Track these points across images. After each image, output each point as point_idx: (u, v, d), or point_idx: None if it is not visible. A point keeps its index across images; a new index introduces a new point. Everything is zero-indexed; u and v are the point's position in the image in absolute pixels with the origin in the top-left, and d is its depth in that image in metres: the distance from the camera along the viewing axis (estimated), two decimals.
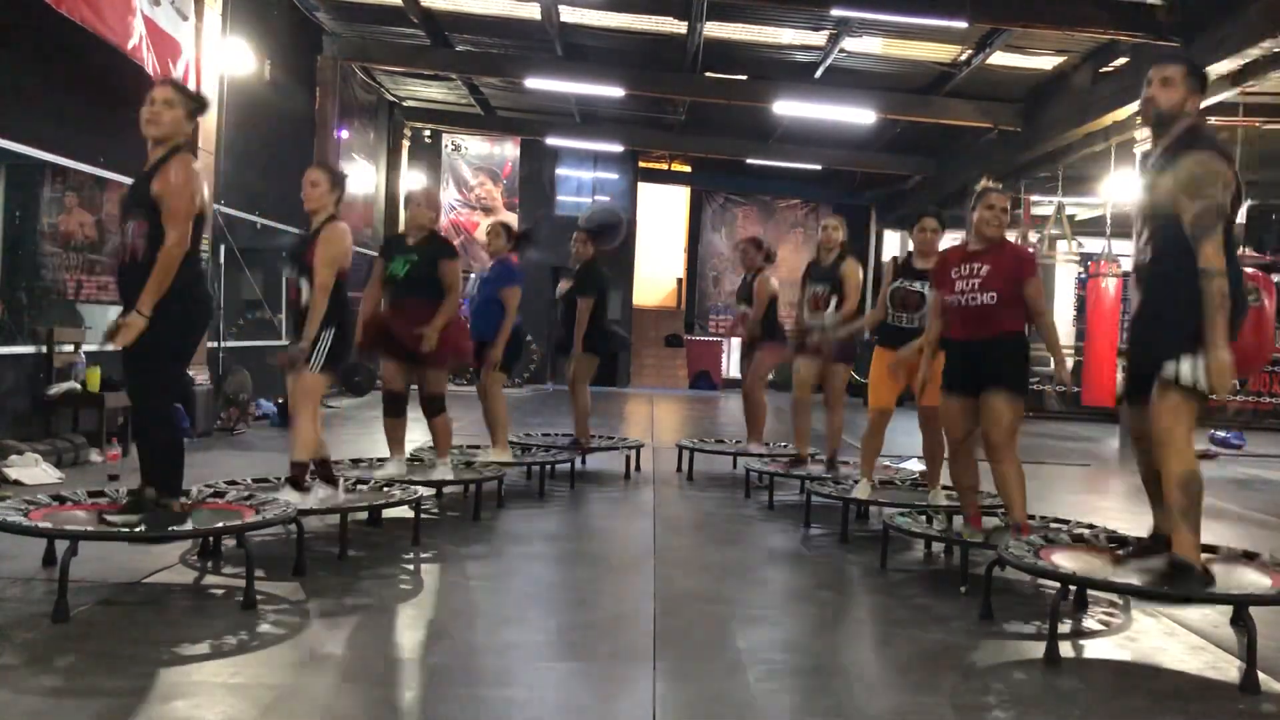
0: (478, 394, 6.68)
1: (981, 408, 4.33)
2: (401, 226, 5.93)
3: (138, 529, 3.74)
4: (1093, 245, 13.73)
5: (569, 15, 11.33)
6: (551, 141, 16.97)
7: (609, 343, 7.47)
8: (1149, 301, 3.62)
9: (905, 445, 8.73)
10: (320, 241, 4.63)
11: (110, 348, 3.93)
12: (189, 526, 3.89)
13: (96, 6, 6.61)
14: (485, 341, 6.39)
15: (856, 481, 5.60)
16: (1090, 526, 4.46)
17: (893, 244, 18.35)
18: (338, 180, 4.83)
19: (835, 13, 9.86)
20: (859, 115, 13.37)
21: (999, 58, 11.22)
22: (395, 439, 5.69)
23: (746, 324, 7.37)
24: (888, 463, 7.17)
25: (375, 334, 5.54)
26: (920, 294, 5.39)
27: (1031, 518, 4.83)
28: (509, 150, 17.27)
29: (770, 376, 7.68)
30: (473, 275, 6.80)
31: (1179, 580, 3.41)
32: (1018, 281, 4.33)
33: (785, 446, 7.87)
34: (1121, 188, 11.84)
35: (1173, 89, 3.60)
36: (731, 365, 18.15)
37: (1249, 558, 3.89)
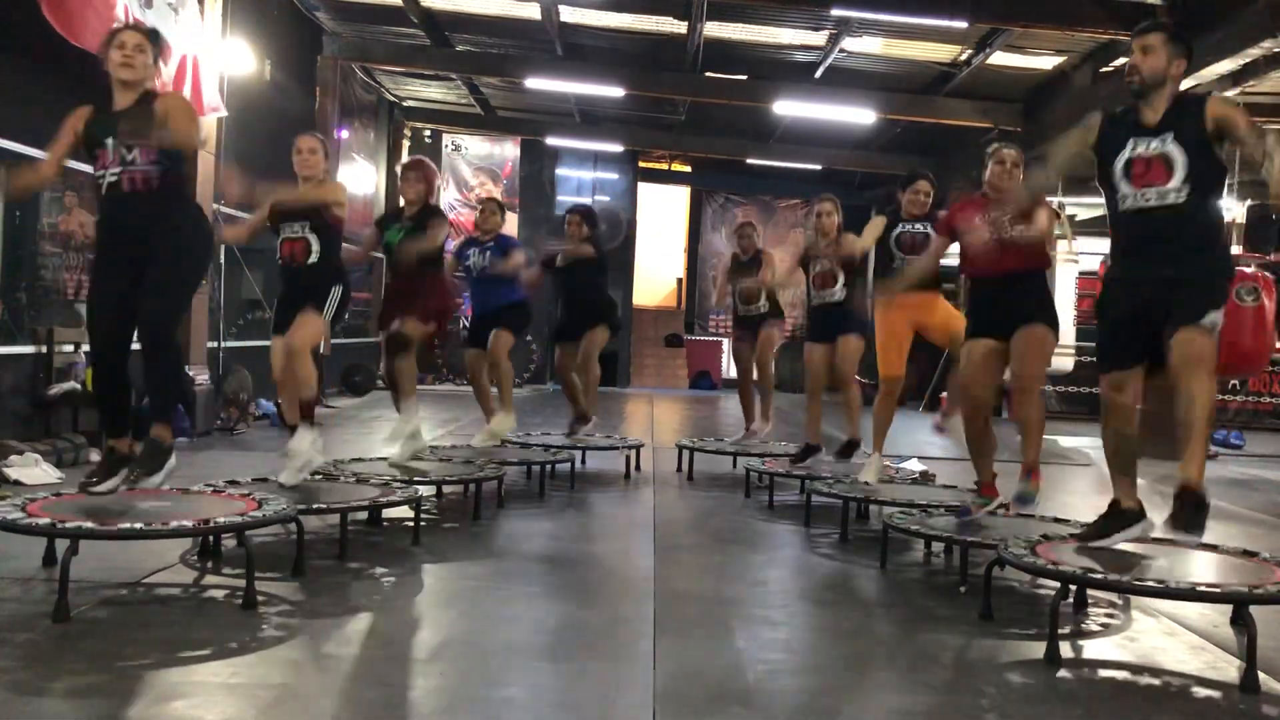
0: (490, 358, 6.72)
1: (1022, 341, 4.45)
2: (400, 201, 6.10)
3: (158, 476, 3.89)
4: (1094, 245, 13.69)
5: (569, 15, 11.33)
6: (551, 141, 16.98)
7: (616, 313, 7.64)
8: (1175, 243, 3.61)
9: (905, 445, 8.74)
10: (327, 190, 4.94)
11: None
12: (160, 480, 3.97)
13: (79, 17, 6.57)
14: (489, 314, 6.57)
15: (866, 456, 5.60)
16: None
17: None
18: (330, 150, 5.12)
19: (835, 13, 9.87)
20: (859, 115, 13.38)
21: (999, 58, 11.23)
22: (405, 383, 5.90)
23: (763, 281, 7.34)
24: (888, 462, 7.17)
25: (394, 340, 5.83)
26: (926, 234, 5.52)
27: (1030, 517, 4.87)
28: (509, 150, 17.27)
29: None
30: (472, 251, 6.83)
31: (1198, 513, 3.48)
32: (1035, 224, 4.56)
33: (785, 445, 7.87)
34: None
35: (1154, 55, 3.69)
36: (732, 365, 18.16)
37: (1249, 557, 3.90)
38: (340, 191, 5.01)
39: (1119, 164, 3.68)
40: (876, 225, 5.84)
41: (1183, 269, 3.61)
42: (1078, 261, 12.88)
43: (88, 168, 4.32)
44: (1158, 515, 3.78)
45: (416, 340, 5.86)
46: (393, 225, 5.89)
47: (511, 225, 16.81)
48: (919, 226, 5.66)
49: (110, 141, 3.92)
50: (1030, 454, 4.45)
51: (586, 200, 17.71)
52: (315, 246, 4.84)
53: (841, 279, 6.31)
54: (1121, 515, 3.74)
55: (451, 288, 6.23)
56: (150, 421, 3.99)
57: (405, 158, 16.60)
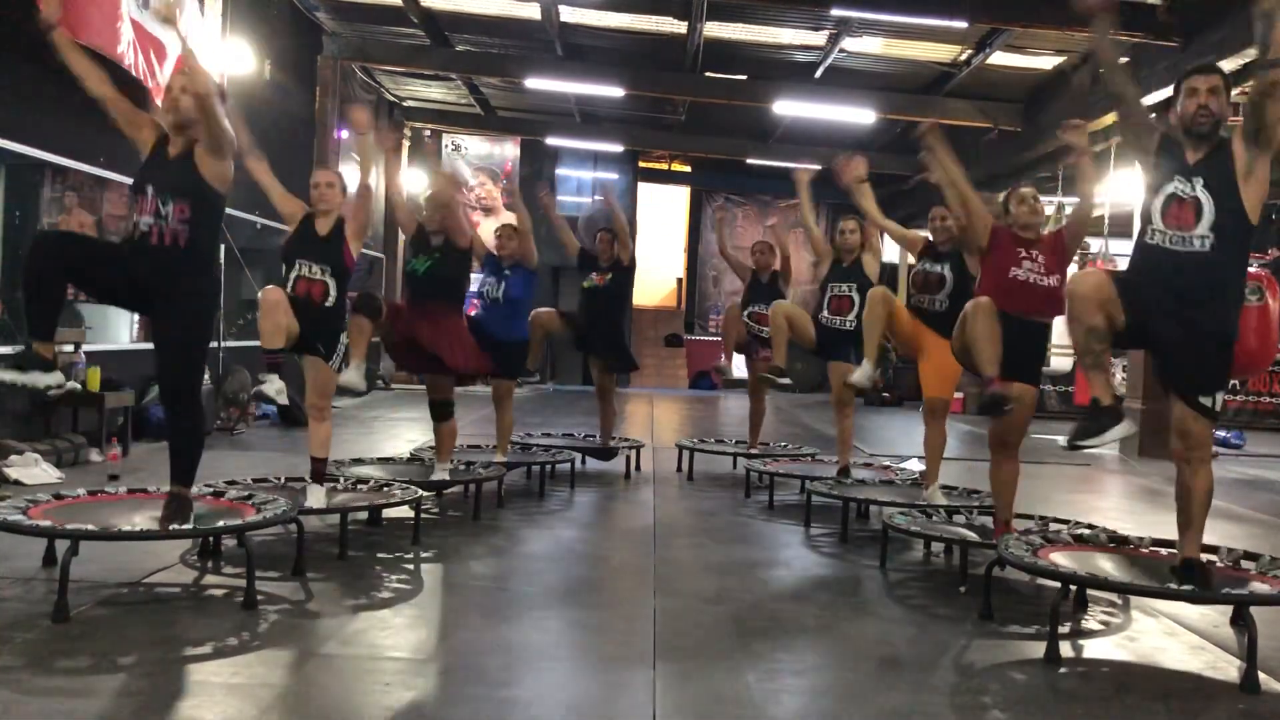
0: (493, 398, 6.68)
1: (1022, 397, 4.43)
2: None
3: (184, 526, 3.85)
4: (1092, 245, 13.70)
5: (569, 15, 11.33)
6: (551, 141, 16.97)
7: (629, 358, 7.60)
8: (1194, 296, 3.60)
9: (906, 445, 8.75)
10: (350, 235, 4.79)
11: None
12: (190, 526, 3.90)
13: (83, 16, 6.56)
14: (502, 342, 6.29)
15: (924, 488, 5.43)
16: (1090, 526, 4.46)
17: (894, 243, 18.33)
18: (345, 185, 4.98)
19: (835, 13, 9.86)
20: (859, 115, 13.37)
21: (999, 58, 11.22)
22: (444, 444, 5.79)
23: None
24: (888, 462, 7.18)
25: (404, 349, 5.65)
26: (941, 275, 5.39)
27: (1030, 517, 4.88)
28: (509, 150, 17.27)
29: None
30: (489, 281, 6.55)
31: (1205, 577, 3.57)
32: (1065, 266, 4.59)
33: (785, 446, 7.88)
34: (1121, 188, 11.83)
35: (1221, 98, 3.72)
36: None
37: (1249, 558, 3.90)
38: (363, 231, 4.92)
39: (1160, 198, 3.67)
40: (917, 239, 5.74)
41: (1196, 323, 3.60)
42: (1078, 259, 12.89)
43: (88, 167, 4.33)
44: (1152, 524, 3.78)
45: (453, 400, 5.84)
46: (420, 254, 5.68)
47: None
48: (934, 266, 5.44)
49: (150, 189, 3.90)
50: (1002, 510, 4.53)
51: (586, 200, 17.74)
52: (333, 291, 4.69)
53: (856, 308, 6.06)
54: (1105, 412, 3.65)
55: (469, 335, 5.89)
56: (172, 477, 3.98)
57: (406, 157, 16.61)
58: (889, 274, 5.95)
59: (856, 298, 6.09)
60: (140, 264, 3.88)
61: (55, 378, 3.94)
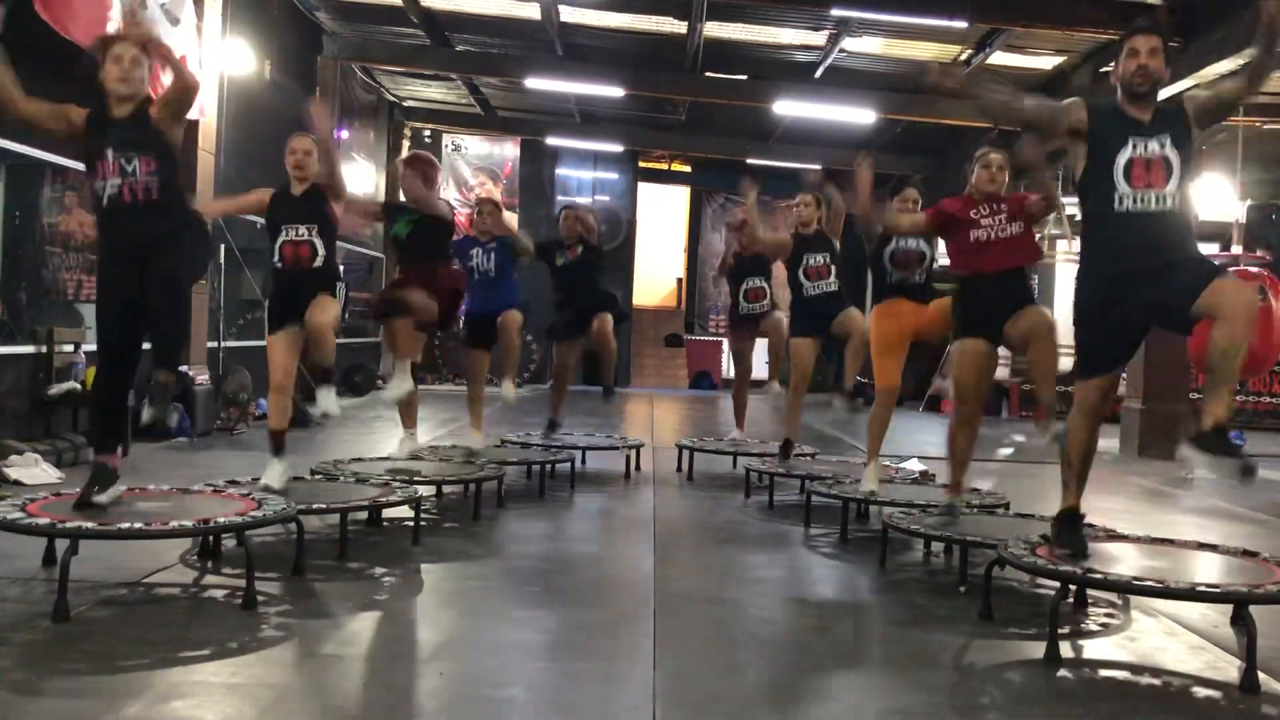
0: (503, 339, 6.73)
1: (1029, 319, 4.69)
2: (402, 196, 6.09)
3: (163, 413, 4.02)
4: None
5: (569, 15, 11.33)
6: (551, 141, 16.97)
7: (619, 303, 7.69)
8: (1172, 247, 3.64)
9: (905, 445, 8.74)
10: (330, 191, 4.90)
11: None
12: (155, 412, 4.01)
13: (72, 11, 6.57)
14: (490, 314, 6.54)
15: (862, 470, 5.60)
16: (1090, 526, 4.45)
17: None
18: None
19: (835, 13, 9.87)
20: (859, 115, 13.38)
21: (999, 58, 11.23)
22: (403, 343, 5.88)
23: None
24: (888, 462, 7.17)
25: (391, 303, 5.83)
26: (920, 251, 5.55)
27: (1030, 517, 4.88)
28: (509, 150, 17.27)
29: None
30: (475, 251, 6.75)
31: (1221, 443, 3.50)
32: (1029, 214, 4.72)
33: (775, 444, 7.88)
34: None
35: (1159, 58, 3.73)
36: (731, 366, 18.16)
37: (1249, 557, 3.89)
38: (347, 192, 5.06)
39: (1120, 162, 3.67)
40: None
41: (1183, 261, 3.63)
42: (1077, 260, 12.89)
43: (79, 165, 4.36)
44: (1152, 524, 3.79)
45: (417, 306, 5.78)
46: (400, 217, 5.87)
47: (511, 225, 16.87)
48: (912, 243, 5.57)
49: (110, 152, 3.94)
50: (1047, 395, 4.83)
51: (586, 200, 17.73)
52: (320, 250, 4.81)
53: (834, 271, 6.37)
54: (1080, 519, 3.85)
55: (459, 288, 6.18)
56: (155, 366, 4.08)
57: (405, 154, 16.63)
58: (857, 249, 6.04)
59: (831, 264, 6.38)
60: (124, 223, 3.92)
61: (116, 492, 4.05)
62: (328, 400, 4.97)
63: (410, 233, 5.80)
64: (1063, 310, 14.37)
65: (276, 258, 4.89)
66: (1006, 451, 10.59)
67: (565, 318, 7.38)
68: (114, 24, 7.07)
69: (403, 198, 6.04)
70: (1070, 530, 3.83)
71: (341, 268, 6.34)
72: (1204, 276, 3.51)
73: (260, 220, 5.19)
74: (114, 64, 4.07)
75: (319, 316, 4.83)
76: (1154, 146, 3.64)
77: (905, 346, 5.60)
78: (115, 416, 4.22)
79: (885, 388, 5.63)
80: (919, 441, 9.17)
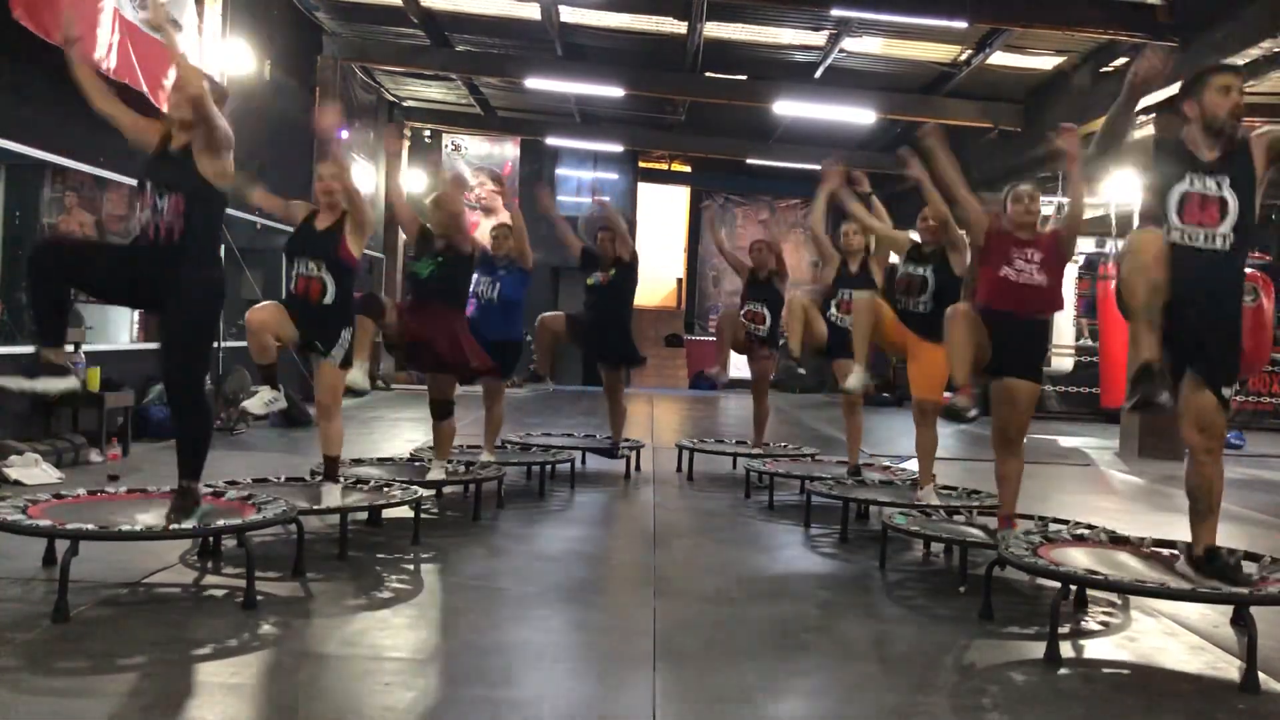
0: (483, 396, 6.67)
1: (1005, 391, 4.47)
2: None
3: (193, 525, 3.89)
4: (1090, 245, 13.69)
5: (569, 15, 11.33)
6: (551, 141, 16.96)
7: (635, 351, 7.47)
8: (1213, 285, 3.65)
9: (905, 445, 8.74)
10: (349, 231, 4.73)
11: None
12: (193, 525, 3.90)
13: (60, 19, 6.53)
14: (497, 342, 6.32)
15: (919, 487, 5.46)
16: (1090, 527, 4.46)
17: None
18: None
19: (835, 13, 9.86)
20: (859, 115, 13.37)
21: (999, 58, 11.22)
22: (443, 443, 5.79)
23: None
24: (888, 462, 7.18)
25: (411, 349, 5.65)
26: (923, 278, 5.46)
27: (1030, 517, 4.88)
28: (509, 150, 17.26)
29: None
30: (483, 281, 6.55)
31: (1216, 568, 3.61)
32: (1062, 265, 4.64)
33: (785, 446, 7.88)
34: (1122, 188, 11.84)
35: (1240, 97, 3.73)
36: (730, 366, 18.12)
37: (1250, 558, 3.89)
38: (366, 232, 4.89)
39: (1173, 196, 3.67)
40: (900, 248, 5.72)
41: (1223, 317, 3.66)
42: (1078, 261, 12.90)
43: (88, 167, 4.35)
44: (1153, 524, 3.78)
45: (453, 401, 5.85)
46: (424, 257, 5.66)
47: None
48: (917, 269, 5.49)
49: (149, 184, 3.92)
50: (1010, 507, 4.57)
51: (586, 200, 17.73)
52: (330, 288, 4.64)
53: None
54: (1158, 375, 3.61)
55: (476, 344, 5.85)
56: (180, 472, 4.00)
57: (406, 158, 16.60)
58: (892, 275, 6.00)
59: None
60: (141, 260, 3.90)
61: (69, 383, 3.94)
62: (331, 496, 4.69)
63: (431, 273, 5.61)
64: (1064, 310, 14.39)
65: (292, 285, 4.73)
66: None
67: (594, 341, 7.22)
68: (106, 28, 7.06)
69: (430, 223, 5.74)
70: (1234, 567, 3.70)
71: None
72: (1223, 371, 3.62)
73: (261, 220, 5.17)
74: (175, 91, 4.00)
75: (322, 399, 4.80)
76: (1212, 184, 3.64)
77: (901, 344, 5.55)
78: (57, 299, 3.97)
79: (936, 400, 5.35)
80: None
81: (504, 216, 6.73)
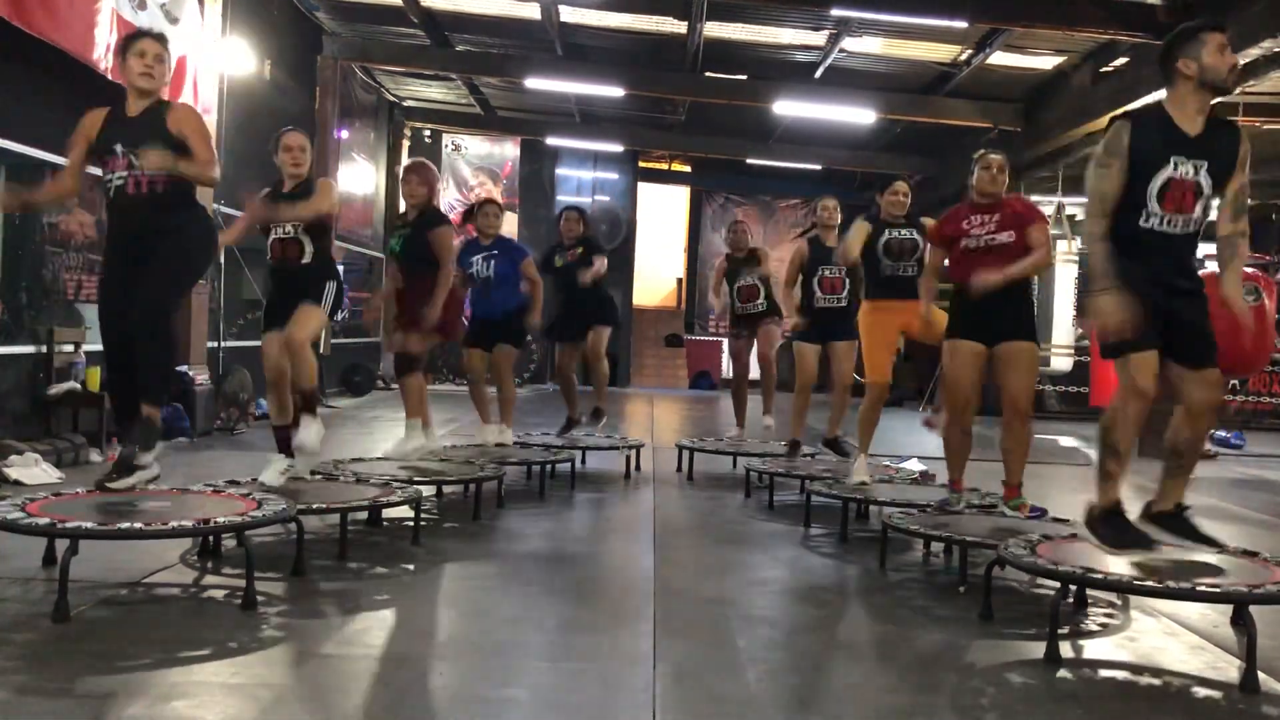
0: (493, 371, 6.81)
1: (1007, 357, 4.59)
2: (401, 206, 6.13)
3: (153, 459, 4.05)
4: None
5: (569, 15, 11.33)
6: (551, 141, 16.97)
7: (617, 312, 7.74)
8: (1185, 265, 3.66)
9: (905, 446, 8.74)
10: (321, 200, 4.84)
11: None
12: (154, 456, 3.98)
13: (58, 18, 6.53)
14: (495, 319, 6.56)
15: (849, 460, 5.75)
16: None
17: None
18: (330, 148, 5.13)
19: (835, 13, 9.86)
20: (859, 115, 13.37)
21: (999, 58, 11.22)
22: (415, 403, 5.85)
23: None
24: (887, 462, 7.18)
25: (402, 360, 5.83)
26: (914, 240, 5.67)
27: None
28: (509, 150, 17.27)
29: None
30: (476, 259, 6.78)
31: (1181, 524, 3.66)
32: (1027, 225, 4.67)
33: (785, 445, 7.87)
34: None
35: (1230, 55, 3.63)
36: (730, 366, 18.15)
37: (1249, 557, 3.89)
38: (331, 195, 4.93)
39: (1156, 183, 3.55)
40: (861, 231, 5.80)
41: (1201, 296, 3.67)
42: (1078, 261, 12.89)
43: (88, 167, 4.36)
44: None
45: (422, 356, 5.86)
46: (396, 232, 5.86)
47: (511, 225, 16.87)
48: (904, 232, 5.72)
49: (120, 147, 3.96)
50: (1016, 476, 4.68)
51: (586, 200, 17.74)
52: (308, 247, 4.83)
53: (848, 284, 6.45)
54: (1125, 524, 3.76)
55: (459, 298, 6.13)
56: (143, 399, 4.10)
57: (405, 157, 16.61)
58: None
59: (846, 278, 6.44)
60: (127, 213, 3.93)
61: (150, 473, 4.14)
62: (308, 435, 4.82)
63: (403, 245, 5.77)
64: (1062, 310, 14.40)
65: (268, 254, 4.92)
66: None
67: (561, 321, 7.45)
68: (104, 28, 7.06)
69: (402, 205, 6.01)
70: (1125, 527, 3.73)
71: (341, 268, 6.33)
72: (1213, 347, 3.60)
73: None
74: (137, 58, 4.08)
75: (295, 333, 4.79)
76: (1191, 170, 3.56)
77: (895, 343, 5.68)
78: (131, 396, 4.17)
79: (876, 383, 5.69)
80: (919, 441, 9.17)
81: (507, 218, 6.98)
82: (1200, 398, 3.62)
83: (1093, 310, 3.54)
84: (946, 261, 4.98)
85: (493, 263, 6.69)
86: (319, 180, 5.02)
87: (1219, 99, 3.69)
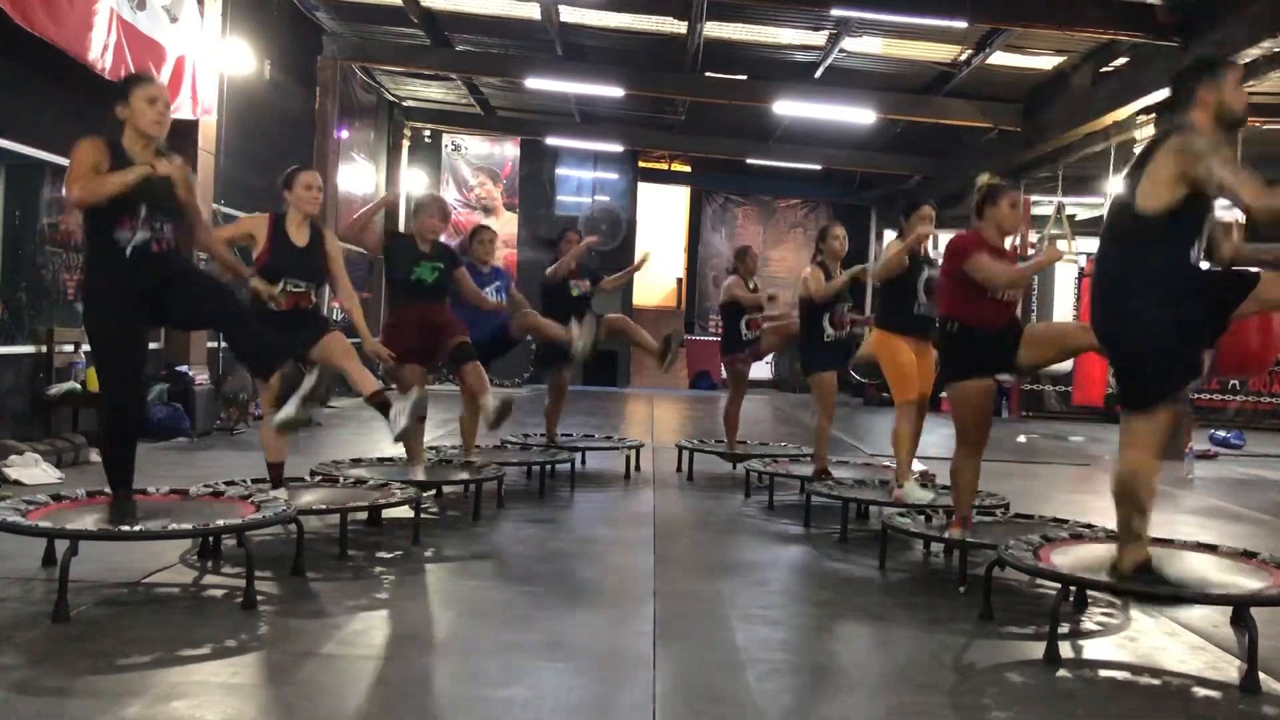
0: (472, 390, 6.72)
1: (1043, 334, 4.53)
2: (403, 226, 6.03)
3: None
4: (1092, 245, 13.69)
5: (569, 15, 11.33)
6: (551, 141, 16.96)
7: None
8: None
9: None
10: (332, 245, 4.87)
11: None
12: (190, 525, 3.89)
13: (58, 16, 6.53)
14: (476, 341, 6.49)
15: (898, 485, 5.45)
16: (1090, 526, 4.46)
17: None
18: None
19: (835, 13, 9.86)
20: (859, 115, 13.36)
21: (999, 58, 11.22)
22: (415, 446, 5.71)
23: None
24: (887, 462, 7.18)
25: (410, 348, 5.63)
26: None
27: (1029, 517, 4.88)
28: (509, 150, 17.26)
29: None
30: (489, 289, 6.66)
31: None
32: None
33: (785, 446, 7.88)
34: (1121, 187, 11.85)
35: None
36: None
37: (1249, 557, 3.90)
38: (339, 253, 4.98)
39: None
40: (899, 260, 5.49)
41: None
42: (1078, 261, 12.89)
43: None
44: (1152, 524, 3.78)
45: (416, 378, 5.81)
46: (423, 263, 5.64)
47: (511, 225, 16.88)
48: (933, 271, 5.47)
49: (144, 209, 3.88)
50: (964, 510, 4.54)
51: (586, 200, 17.74)
52: (315, 295, 4.85)
53: (849, 323, 6.41)
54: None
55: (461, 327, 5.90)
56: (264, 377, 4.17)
57: (405, 157, 16.60)
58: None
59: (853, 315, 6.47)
60: (147, 272, 3.92)
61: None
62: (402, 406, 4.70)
63: (435, 280, 5.67)
64: (1062, 310, 14.35)
65: (276, 302, 4.66)
66: (1021, 440, 10.62)
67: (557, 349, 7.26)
68: (101, 29, 7.03)
69: (415, 233, 5.77)
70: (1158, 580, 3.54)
71: None
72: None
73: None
74: (148, 105, 3.94)
75: (341, 356, 4.72)
76: None
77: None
78: (130, 451, 4.06)
79: (908, 401, 5.45)
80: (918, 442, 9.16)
81: (508, 218, 6.93)
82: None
83: None
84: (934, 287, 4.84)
85: (502, 295, 6.60)
86: (325, 231, 4.93)
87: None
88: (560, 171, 18.07)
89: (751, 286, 7.38)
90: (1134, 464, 3.44)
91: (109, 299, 3.92)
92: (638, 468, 7.38)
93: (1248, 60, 8.56)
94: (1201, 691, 3.27)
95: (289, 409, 4.11)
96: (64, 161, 7.20)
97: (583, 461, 7.33)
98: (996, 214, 4.49)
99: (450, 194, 16.74)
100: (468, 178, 17.10)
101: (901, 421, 5.45)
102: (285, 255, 4.72)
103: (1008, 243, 4.69)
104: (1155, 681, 3.36)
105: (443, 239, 5.90)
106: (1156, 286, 3.38)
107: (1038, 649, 3.49)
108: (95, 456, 6.76)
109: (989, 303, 4.36)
